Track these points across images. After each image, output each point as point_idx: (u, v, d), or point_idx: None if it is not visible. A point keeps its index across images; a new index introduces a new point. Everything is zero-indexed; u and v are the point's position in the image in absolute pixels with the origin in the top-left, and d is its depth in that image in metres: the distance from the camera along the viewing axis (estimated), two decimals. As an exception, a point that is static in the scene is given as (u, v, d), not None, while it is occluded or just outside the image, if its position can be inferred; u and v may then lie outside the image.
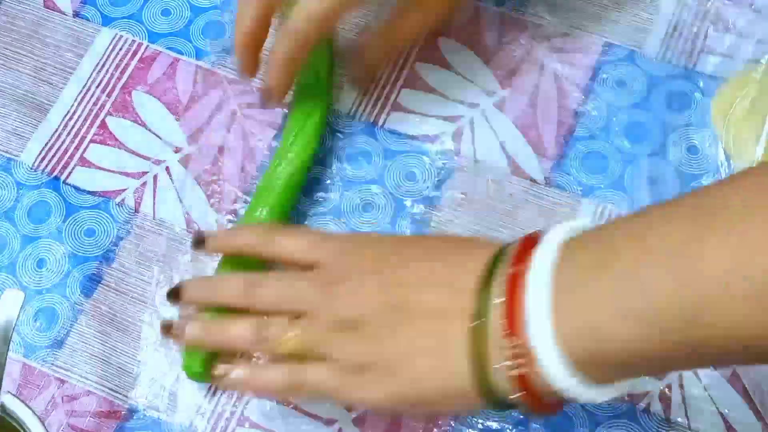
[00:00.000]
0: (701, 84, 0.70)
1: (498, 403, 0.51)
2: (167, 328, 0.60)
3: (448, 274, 0.54)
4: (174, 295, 0.61)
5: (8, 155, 0.69)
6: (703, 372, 0.62)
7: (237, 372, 0.59)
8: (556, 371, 0.48)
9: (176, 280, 0.65)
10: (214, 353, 0.61)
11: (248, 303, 0.58)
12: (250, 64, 0.66)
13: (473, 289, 0.51)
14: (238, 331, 0.58)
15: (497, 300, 0.50)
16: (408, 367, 0.53)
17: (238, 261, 0.63)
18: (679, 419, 0.61)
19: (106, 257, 0.66)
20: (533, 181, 0.68)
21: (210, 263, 0.66)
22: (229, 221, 0.67)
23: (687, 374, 0.62)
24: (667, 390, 0.62)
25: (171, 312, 0.64)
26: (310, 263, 0.58)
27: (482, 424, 0.61)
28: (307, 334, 0.56)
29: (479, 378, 0.51)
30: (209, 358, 0.61)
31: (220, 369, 0.59)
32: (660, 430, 0.61)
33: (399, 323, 0.53)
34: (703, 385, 0.62)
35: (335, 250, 0.58)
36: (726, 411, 0.61)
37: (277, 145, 0.68)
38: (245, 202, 0.67)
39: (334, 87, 0.70)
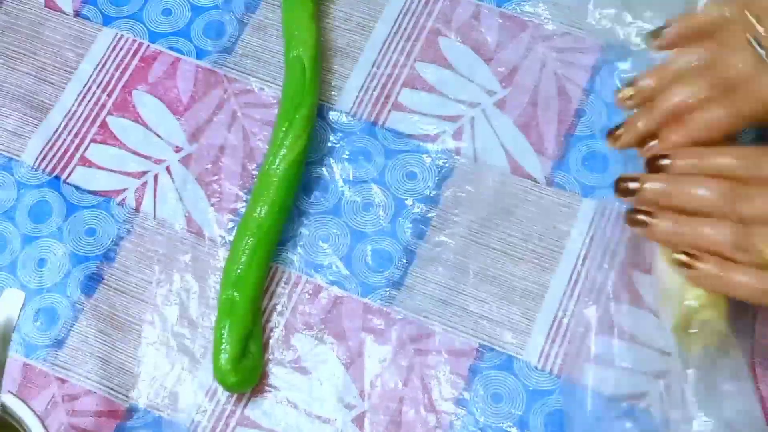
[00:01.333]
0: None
1: None
2: (638, 221, 0.60)
3: None
4: (625, 184, 0.60)
5: (9, 155, 0.69)
6: (703, 370, 0.62)
7: (709, 266, 0.58)
8: None
9: (176, 280, 0.65)
10: (242, 359, 0.62)
11: (730, 213, 0.58)
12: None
13: None
14: (714, 233, 0.58)
15: None
16: None
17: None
18: (679, 419, 0.61)
19: (107, 257, 0.66)
20: (533, 180, 0.68)
21: (211, 262, 0.66)
22: (230, 220, 0.67)
23: (687, 374, 0.62)
24: (667, 390, 0.62)
25: (172, 313, 0.65)
26: None
27: (482, 422, 0.62)
28: None
29: None
30: (240, 367, 0.61)
31: (686, 258, 0.58)
32: (660, 429, 0.61)
33: None
34: (703, 383, 0.62)
35: None
36: (726, 409, 0.61)
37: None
38: (245, 201, 0.67)
39: (331, 86, 0.71)
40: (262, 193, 0.66)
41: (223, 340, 0.62)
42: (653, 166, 0.61)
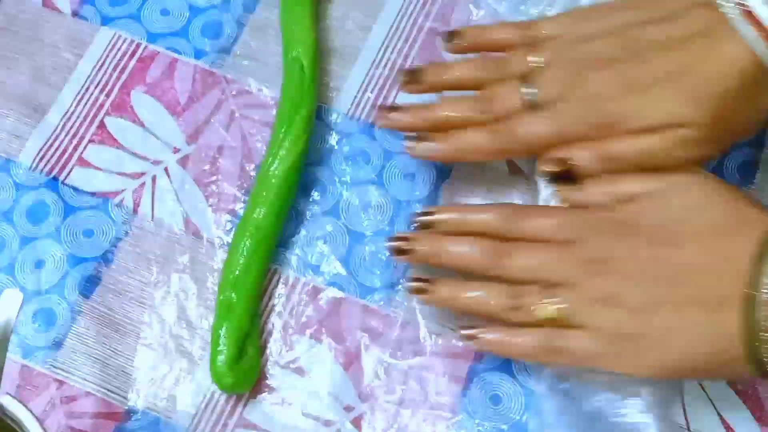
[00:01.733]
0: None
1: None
2: (418, 289, 0.62)
3: (712, 258, 0.56)
4: (396, 244, 0.62)
5: (6, 156, 0.69)
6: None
7: (492, 334, 0.60)
8: None
9: (174, 281, 0.65)
10: (239, 360, 0.62)
11: (495, 270, 0.60)
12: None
13: (747, 261, 0.54)
14: (487, 296, 0.60)
15: None
16: (677, 339, 0.56)
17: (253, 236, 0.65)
18: (679, 421, 0.61)
19: (105, 258, 0.66)
20: (533, 180, 0.67)
21: (209, 263, 0.66)
22: (228, 221, 0.67)
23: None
24: (668, 388, 0.62)
25: (170, 314, 0.64)
26: (561, 241, 0.59)
27: (480, 424, 0.62)
28: (568, 304, 0.58)
29: (749, 349, 0.54)
30: (237, 368, 0.62)
31: (471, 331, 0.60)
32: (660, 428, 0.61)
33: (663, 298, 0.56)
34: (702, 387, 0.62)
35: (588, 226, 0.59)
36: (725, 413, 0.61)
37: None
38: (244, 202, 0.67)
39: (329, 87, 0.70)
40: (261, 194, 0.66)
41: (220, 342, 0.62)
42: (419, 222, 0.63)
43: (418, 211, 0.63)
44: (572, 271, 0.59)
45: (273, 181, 0.66)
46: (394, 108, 0.66)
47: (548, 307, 0.58)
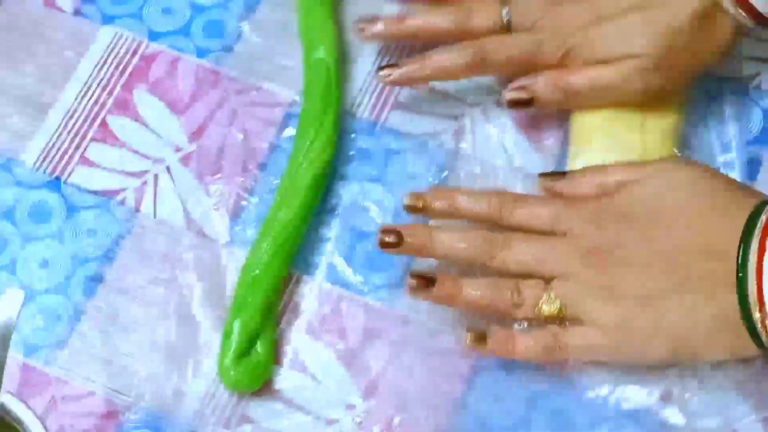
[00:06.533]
0: (701, 81, 0.69)
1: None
2: (418, 286, 0.61)
3: (704, 239, 0.57)
4: (385, 238, 0.61)
5: (9, 155, 0.69)
6: (704, 372, 0.62)
7: (496, 336, 0.60)
8: None
9: (177, 280, 0.65)
10: (246, 357, 0.62)
11: (491, 262, 0.60)
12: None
13: (736, 240, 0.56)
14: (491, 293, 0.60)
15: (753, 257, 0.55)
16: (679, 324, 0.57)
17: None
18: (680, 419, 0.61)
19: (108, 257, 0.66)
20: (535, 179, 0.67)
21: (212, 261, 0.66)
22: (231, 220, 0.67)
23: (688, 374, 0.62)
24: (667, 390, 0.62)
25: (173, 312, 0.64)
26: (553, 232, 0.60)
27: (483, 421, 0.61)
28: (569, 297, 0.58)
29: (748, 324, 0.56)
30: (243, 365, 0.62)
31: (474, 338, 0.60)
32: (660, 429, 0.61)
33: (661, 285, 0.57)
34: (703, 386, 0.62)
35: (583, 217, 0.60)
36: (726, 411, 0.61)
37: (279, 144, 0.69)
38: (246, 201, 0.67)
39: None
40: (290, 195, 0.65)
41: (230, 338, 0.62)
42: (411, 207, 0.63)
43: (408, 197, 0.63)
44: (570, 263, 0.59)
45: (303, 182, 0.66)
46: (370, 21, 0.68)
47: (553, 303, 0.58)
